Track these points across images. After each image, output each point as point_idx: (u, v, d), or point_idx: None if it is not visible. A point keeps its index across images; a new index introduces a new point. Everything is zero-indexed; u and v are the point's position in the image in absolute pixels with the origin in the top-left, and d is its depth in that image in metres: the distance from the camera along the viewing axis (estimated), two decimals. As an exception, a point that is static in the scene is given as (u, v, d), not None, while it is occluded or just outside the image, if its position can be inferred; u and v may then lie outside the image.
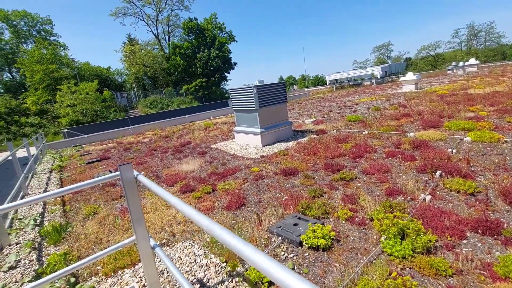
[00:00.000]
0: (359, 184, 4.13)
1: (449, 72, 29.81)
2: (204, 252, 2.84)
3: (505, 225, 2.65)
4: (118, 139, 14.71)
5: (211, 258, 2.71)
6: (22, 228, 4.04)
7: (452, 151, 4.78)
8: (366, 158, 5.19)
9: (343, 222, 3.13)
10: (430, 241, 2.46)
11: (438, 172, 3.93)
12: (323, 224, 2.99)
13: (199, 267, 2.61)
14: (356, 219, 3.13)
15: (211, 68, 38.51)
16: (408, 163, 4.61)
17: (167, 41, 41.60)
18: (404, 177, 4.12)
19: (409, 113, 8.78)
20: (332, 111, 12.73)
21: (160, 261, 2.72)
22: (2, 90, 34.26)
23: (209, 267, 2.58)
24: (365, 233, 2.88)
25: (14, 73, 35.85)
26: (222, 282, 2.36)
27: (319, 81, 71.61)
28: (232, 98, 8.17)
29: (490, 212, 2.94)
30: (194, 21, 38.14)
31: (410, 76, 16.29)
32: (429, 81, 22.50)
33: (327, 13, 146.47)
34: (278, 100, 7.80)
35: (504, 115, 6.82)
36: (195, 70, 37.70)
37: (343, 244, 2.75)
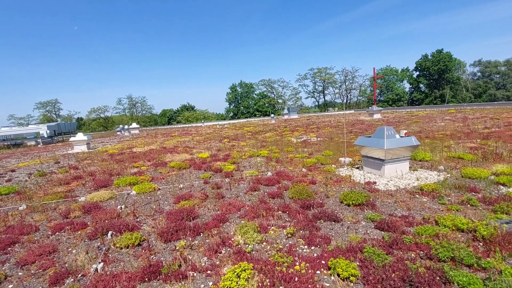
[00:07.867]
0: (10, 286, 2.96)
1: (118, 133, 33.63)
2: None
3: (163, 263, 3.18)
4: None
5: None
6: None
7: (121, 208, 5.11)
8: (24, 243, 3.95)
9: None
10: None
11: (110, 233, 3.95)
12: None
13: None
14: None
15: None
16: (79, 232, 4.20)
17: None
18: (74, 251, 3.63)
19: (80, 175, 8.35)
20: (-34, 185, 8.65)
21: None
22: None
23: None
24: None
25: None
26: None
27: None
28: None
29: (153, 256, 3.41)
30: None
31: (80, 136, 15.95)
32: (101, 141, 23.70)
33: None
34: None
35: (158, 167, 8.80)
36: None
37: None
